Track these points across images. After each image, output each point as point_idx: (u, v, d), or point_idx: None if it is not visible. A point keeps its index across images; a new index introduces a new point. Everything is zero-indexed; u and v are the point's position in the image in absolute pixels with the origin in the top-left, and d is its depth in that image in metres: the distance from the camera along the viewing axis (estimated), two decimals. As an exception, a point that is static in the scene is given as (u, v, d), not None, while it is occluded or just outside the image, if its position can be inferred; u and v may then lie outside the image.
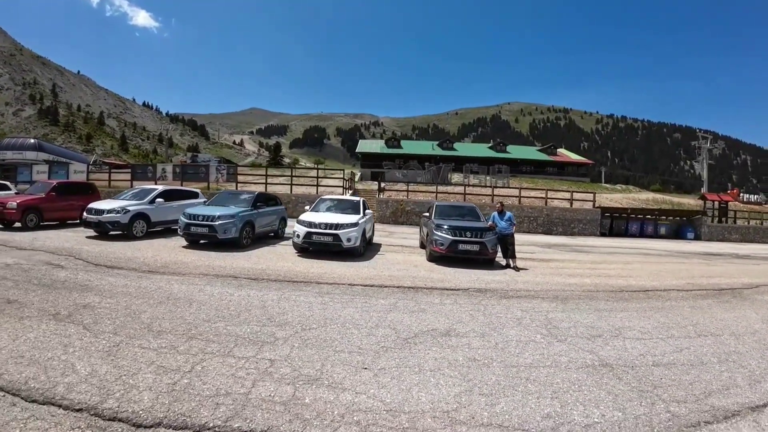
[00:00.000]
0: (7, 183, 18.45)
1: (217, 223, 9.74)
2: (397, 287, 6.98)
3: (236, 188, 23.06)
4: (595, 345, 4.69)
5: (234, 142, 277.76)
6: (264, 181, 22.58)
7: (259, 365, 3.58)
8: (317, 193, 23.45)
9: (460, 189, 26.33)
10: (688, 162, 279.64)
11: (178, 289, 5.97)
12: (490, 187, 26.78)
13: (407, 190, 23.87)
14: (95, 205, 11.35)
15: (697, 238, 28.64)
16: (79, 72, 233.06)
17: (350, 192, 25.34)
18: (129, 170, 26.79)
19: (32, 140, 40.66)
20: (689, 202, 46.12)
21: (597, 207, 26.23)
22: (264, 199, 12.66)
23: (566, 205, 25.54)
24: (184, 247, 10.06)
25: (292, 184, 22.71)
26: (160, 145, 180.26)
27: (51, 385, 3.02)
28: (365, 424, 2.76)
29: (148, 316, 4.70)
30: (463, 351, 4.21)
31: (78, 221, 13.72)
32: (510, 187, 28.91)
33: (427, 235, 10.55)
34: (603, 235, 25.31)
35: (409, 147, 69.65)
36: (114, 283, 6.17)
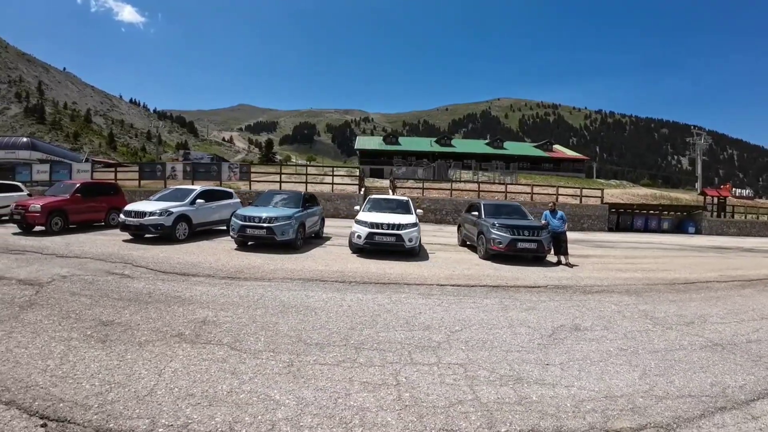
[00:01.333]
0: (19, 184, 17.86)
1: (275, 224, 9.57)
2: (484, 286, 7.18)
3: (250, 187, 23.09)
4: (696, 329, 5.31)
5: (223, 139, 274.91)
6: (279, 179, 22.47)
7: (457, 371, 3.59)
8: (332, 191, 23.40)
9: (473, 186, 26.45)
10: (676, 157, 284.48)
11: (284, 296, 5.77)
12: (503, 184, 26.95)
13: (422, 188, 23.91)
14: (135, 206, 10.88)
15: (698, 232, 29.42)
16: (64, 69, 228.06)
17: (363, 190, 25.27)
18: (136, 169, 26.14)
19: (25, 139, 39.33)
20: (685, 197, 47.02)
21: (605, 203, 26.60)
22: (310, 199, 12.47)
23: (575, 201, 25.89)
24: (236, 249, 9.84)
25: (307, 183, 22.60)
26: (148, 142, 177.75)
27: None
28: (603, 409, 3.06)
29: (288, 328, 4.45)
30: (605, 343, 4.62)
31: (102, 223, 13.40)
32: (519, 184, 29.13)
33: (480, 233, 10.70)
34: (610, 230, 25.78)
35: (407, 143, 69.71)
36: (206, 292, 5.78)
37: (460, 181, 26.27)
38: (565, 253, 10.42)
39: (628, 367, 3.90)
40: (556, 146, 72.67)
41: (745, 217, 36.28)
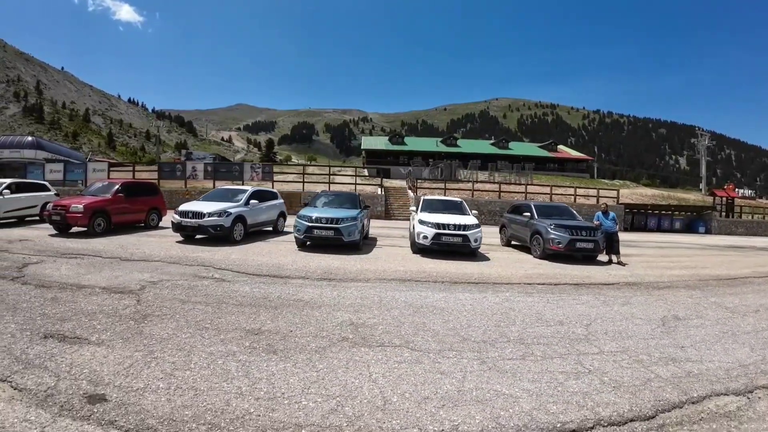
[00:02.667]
0: (46, 183, 17.12)
1: (342, 225, 9.67)
2: (566, 284, 7.56)
3: (272, 186, 23.00)
4: (765, 315, 6.03)
5: (222, 139, 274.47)
6: (301, 179, 22.58)
7: (622, 357, 4.03)
8: (356, 189, 23.51)
9: (493, 186, 26.65)
10: (674, 157, 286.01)
11: (401, 297, 5.88)
12: (522, 184, 27.17)
13: (444, 189, 24.07)
14: (190, 207, 10.65)
15: (708, 231, 29.89)
16: (63, 68, 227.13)
17: (381, 190, 25.40)
18: (155, 168, 26.01)
19: (30, 138, 38.69)
20: (692, 197, 47.41)
21: (621, 203, 26.88)
22: (361, 200, 12.48)
23: (593, 201, 26.13)
24: (299, 250, 9.90)
25: (330, 183, 22.72)
26: (147, 142, 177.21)
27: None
28: (745, 374, 3.77)
29: (442, 328, 4.58)
30: (706, 328, 5.21)
31: (142, 224, 13.18)
32: (536, 184, 29.34)
33: (535, 233, 11.06)
34: (625, 230, 26.09)
35: (413, 144, 69.80)
36: (320, 294, 5.80)
37: (478, 182, 26.42)
38: (617, 253, 10.85)
39: (738, 345, 4.58)
40: (561, 147, 73.05)
41: (752, 217, 36.76)
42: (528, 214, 12.01)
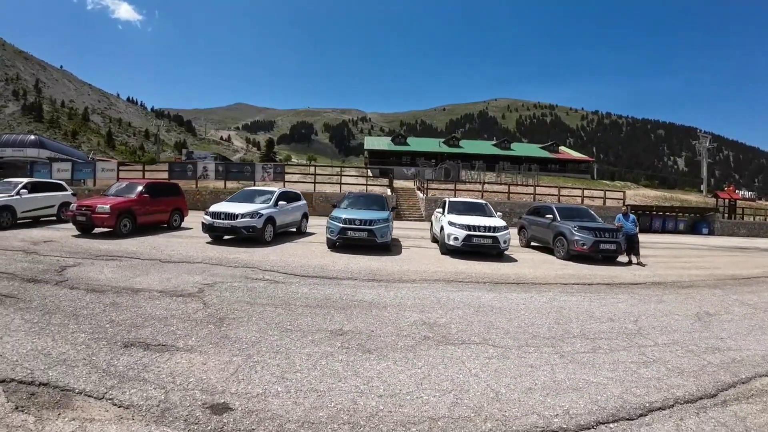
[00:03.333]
0: (63, 183, 16.30)
1: (375, 227, 9.91)
2: (599, 284, 8.02)
3: (284, 186, 23.02)
4: None
5: (221, 138, 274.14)
6: (312, 180, 22.77)
7: (676, 348, 4.49)
8: (367, 190, 23.68)
9: (501, 188, 26.90)
10: (672, 158, 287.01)
11: (454, 297, 6.15)
12: (530, 186, 27.45)
13: (454, 189, 24.30)
14: (222, 208, 10.68)
15: (711, 233, 30.30)
16: (61, 67, 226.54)
17: (390, 191, 25.60)
18: (165, 168, 25.92)
19: (33, 137, 36.10)
20: (693, 198, 47.79)
21: (626, 205, 27.13)
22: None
23: (599, 203, 26.41)
24: (330, 251, 10.10)
25: (341, 183, 22.94)
26: (146, 141, 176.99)
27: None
28: None
29: (509, 326, 4.91)
30: (737, 322, 5.74)
31: (165, 225, 13.13)
32: (543, 186, 29.64)
33: (558, 235, 11.45)
34: (631, 231, 26.36)
35: (416, 144, 70.04)
36: (379, 294, 6.03)
37: (488, 183, 26.68)
38: (637, 254, 11.31)
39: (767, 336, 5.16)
40: (562, 148, 73.47)
41: (754, 219, 37.14)
42: (550, 216, 12.34)
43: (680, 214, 31.49)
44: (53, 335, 3.82)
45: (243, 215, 10.37)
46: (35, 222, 13.29)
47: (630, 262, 11.19)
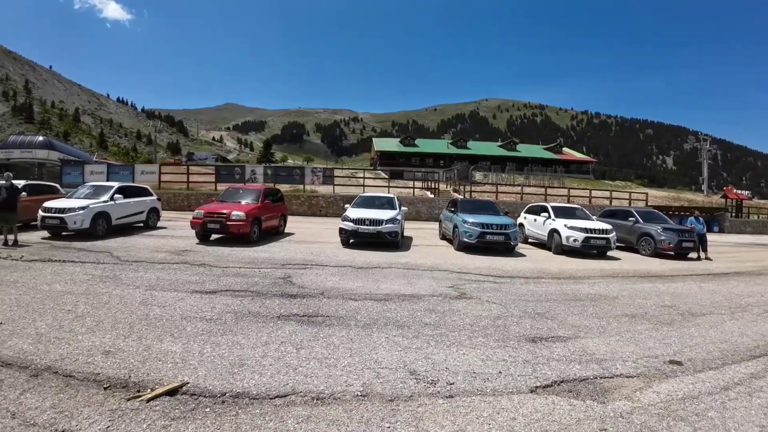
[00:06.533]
0: (148, 187, 14.93)
1: (508, 230, 11.37)
2: (701, 275, 9.73)
3: (333, 191, 24.12)
4: None
5: (213, 139, 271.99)
6: (362, 183, 23.55)
7: None
8: (414, 195, 24.48)
9: (539, 190, 27.96)
10: (661, 157, 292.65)
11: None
12: (565, 188, 28.59)
13: (496, 192, 25.25)
14: (364, 214, 11.10)
15: (721, 231, 31.72)
16: (51, 67, 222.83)
17: (437, 194, 26.44)
18: (212, 171, 26.22)
19: (41, 137, 35.04)
20: (697, 198, 49.47)
21: (649, 206, 28.41)
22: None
23: (625, 203, 27.62)
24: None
25: (390, 186, 23.71)
26: (139, 142, 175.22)
27: None
28: None
29: (723, 304, 6.76)
30: None
31: (274, 231, 13.09)
32: (575, 188, 30.78)
33: (644, 235, 13.23)
34: (655, 230, 27.69)
35: (424, 145, 71.10)
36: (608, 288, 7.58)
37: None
38: (705, 250, 13.09)
39: None
40: (566, 149, 75.09)
41: (758, 218, 38.81)
42: (633, 219, 14.13)
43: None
44: (459, 344, 4.16)
45: (387, 221, 10.91)
46: (124, 229, 12.77)
47: (699, 258, 12.92)
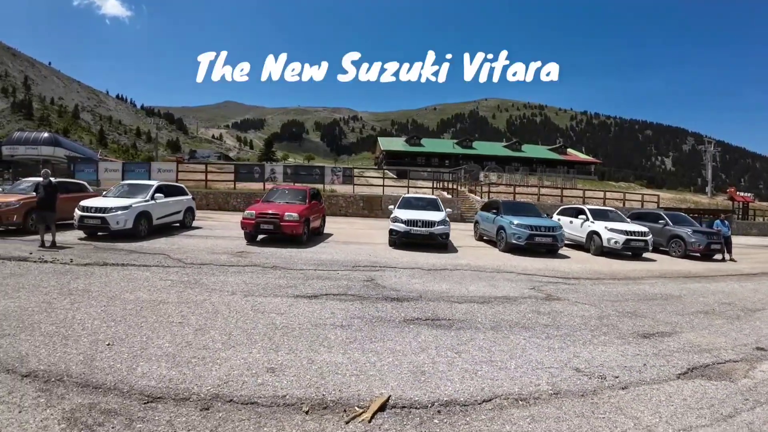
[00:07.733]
0: (183, 186, 14.87)
1: (555, 232, 11.73)
2: (734, 275, 10.27)
3: (353, 191, 24.30)
4: None
5: (213, 137, 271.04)
6: (381, 183, 23.71)
7: None
8: (433, 194, 24.60)
9: (555, 191, 28.19)
10: (659, 158, 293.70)
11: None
12: (581, 189, 28.89)
13: (514, 193, 25.51)
14: (416, 216, 11.30)
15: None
16: (50, 64, 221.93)
17: (451, 194, 26.65)
18: (231, 170, 26.06)
19: (46, 134, 33.16)
20: (703, 200, 49.93)
21: (661, 207, 28.76)
22: None
23: (637, 205, 27.98)
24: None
25: (408, 186, 23.92)
26: (138, 139, 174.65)
27: None
28: None
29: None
30: None
31: (318, 232, 12.96)
32: (589, 189, 31.09)
33: (674, 237, 13.92)
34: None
35: (430, 145, 71.39)
36: (673, 288, 8.19)
37: (541, 186, 28.07)
38: (730, 252, 13.74)
39: None
40: (570, 150, 75.51)
41: (764, 220, 39.30)
42: (663, 221, 14.69)
43: (705, 216, 33.39)
44: (589, 342, 4.57)
45: (438, 223, 11.22)
46: (163, 230, 12.46)
47: (723, 259, 13.58)
